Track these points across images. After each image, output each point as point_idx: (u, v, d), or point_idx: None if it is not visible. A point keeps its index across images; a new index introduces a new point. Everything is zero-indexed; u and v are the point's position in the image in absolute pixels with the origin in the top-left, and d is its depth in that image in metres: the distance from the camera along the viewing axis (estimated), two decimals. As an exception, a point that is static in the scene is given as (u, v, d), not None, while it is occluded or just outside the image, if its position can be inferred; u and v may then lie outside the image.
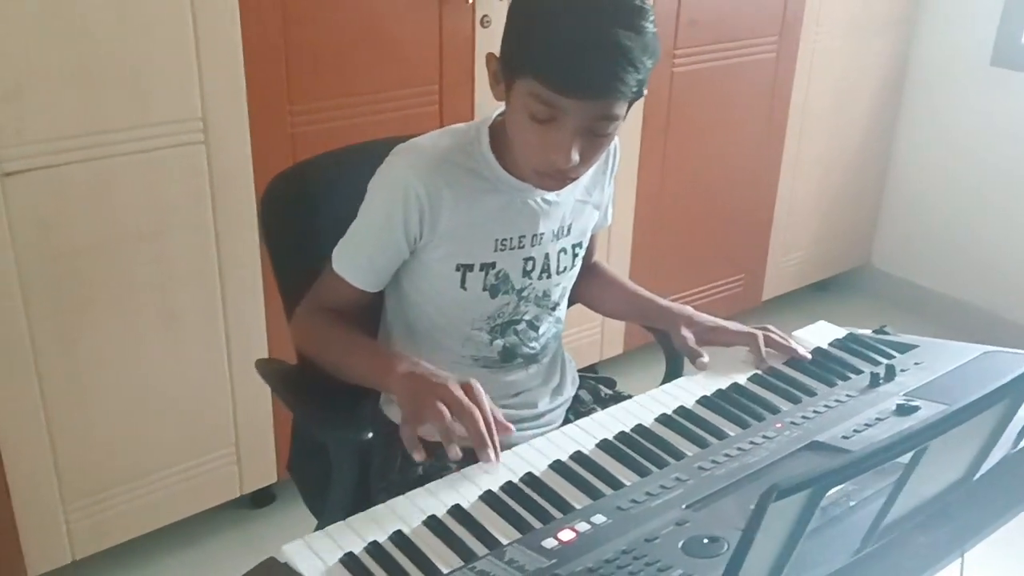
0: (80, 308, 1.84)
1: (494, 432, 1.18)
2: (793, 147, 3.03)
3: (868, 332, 1.49)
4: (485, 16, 2.18)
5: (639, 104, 2.52)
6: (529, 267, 1.41)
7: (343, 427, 1.33)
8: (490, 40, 2.19)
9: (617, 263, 2.71)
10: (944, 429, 0.81)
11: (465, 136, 1.36)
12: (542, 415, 1.51)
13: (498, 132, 1.35)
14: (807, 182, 3.14)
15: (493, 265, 1.38)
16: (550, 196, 1.39)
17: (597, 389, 1.65)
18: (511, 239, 1.38)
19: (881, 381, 1.29)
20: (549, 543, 1.01)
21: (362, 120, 2.06)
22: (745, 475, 1.11)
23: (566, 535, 1.02)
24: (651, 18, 1.20)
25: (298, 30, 1.93)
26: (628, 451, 1.19)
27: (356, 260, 1.37)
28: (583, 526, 1.03)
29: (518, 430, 1.42)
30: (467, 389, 1.21)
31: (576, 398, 1.61)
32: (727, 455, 1.16)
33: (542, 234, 1.41)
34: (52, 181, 1.73)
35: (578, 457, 1.19)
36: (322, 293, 1.41)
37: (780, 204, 3.09)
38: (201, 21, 1.80)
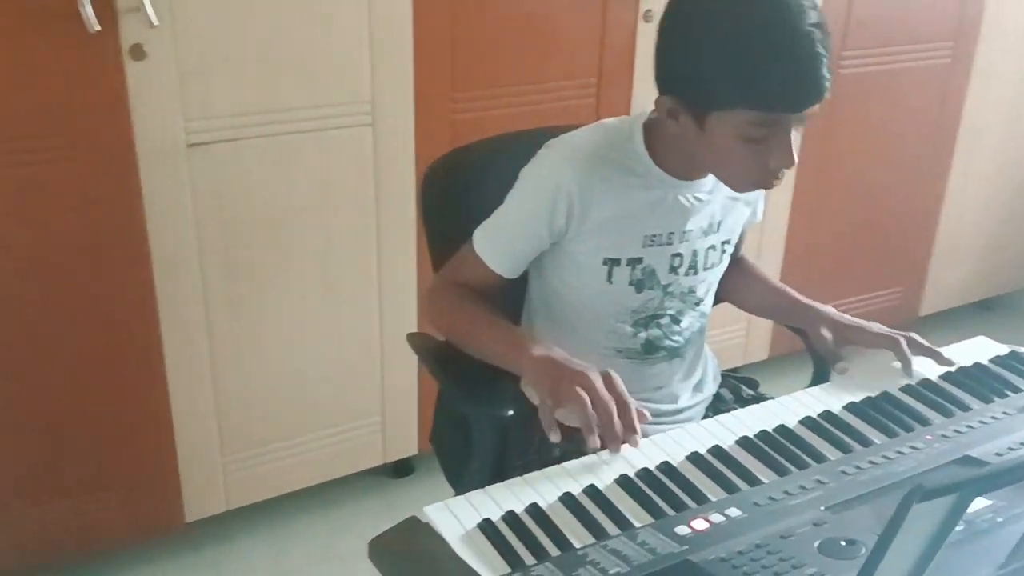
0: (249, 274, 1.96)
1: (635, 423, 1.19)
2: (963, 157, 2.90)
3: (1033, 351, 1.42)
4: (648, 11, 2.18)
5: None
6: (676, 263, 1.42)
7: (485, 403, 1.37)
8: (652, 34, 2.19)
9: (768, 263, 2.67)
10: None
11: (618, 132, 1.38)
12: (682, 410, 1.52)
13: (652, 129, 1.35)
14: (976, 195, 3.00)
15: (640, 260, 1.39)
16: (701, 193, 1.39)
17: (739, 389, 1.64)
18: (660, 235, 1.39)
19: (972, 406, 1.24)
20: (682, 530, 1.02)
21: (521, 110, 2.11)
22: (890, 483, 1.08)
23: (699, 524, 1.03)
24: (817, 5, 1.20)
25: (465, 21, 1.99)
26: (768, 450, 1.19)
27: (497, 244, 1.40)
28: (717, 517, 1.04)
29: (658, 423, 1.44)
30: (606, 379, 1.22)
31: (717, 396, 1.60)
32: (871, 462, 1.13)
33: (691, 231, 1.41)
34: (231, 153, 1.86)
35: (716, 451, 1.19)
36: (459, 269, 1.45)
37: (945, 217, 2.97)
38: (376, 10, 1.89)
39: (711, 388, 1.59)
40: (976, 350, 1.44)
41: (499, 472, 1.37)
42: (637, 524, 1.05)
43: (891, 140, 2.74)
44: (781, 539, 0.98)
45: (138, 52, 1.69)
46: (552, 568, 0.96)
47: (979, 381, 1.33)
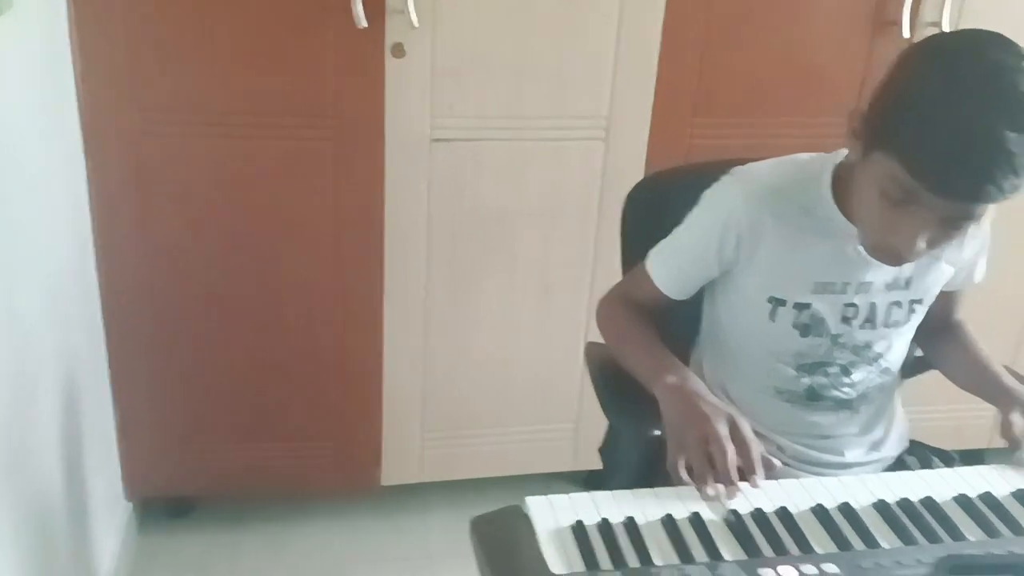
0: (472, 266, 2.09)
1: (755, 463, 1.16)
2: None
3: None
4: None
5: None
6: (850, 314, 1.35)
7: (631, 417, 1.39)
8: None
9: (1006, 328, 2.41)
10: None
11: (806, 171, 1.33)
12: (849, 465, 1.44)
13: (842, 172, 1.29)
14: None
15: (808, 305, 1.34)
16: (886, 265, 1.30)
17: (929, 459, 1.52)
18: (833, 284, 1.33)
19: None
20: (766, 572, 0.99)
21: (763, 141, 2.05)
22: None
23: (786, 571, 0.99)
24: None
25: (716, 48, 1.99)
26: (901, 517, 1.11)
27: (666, 264, 1.41)
28: (810, 569, 0.99)
29: (819, 473, 1.38)
30: (732, 426, 1.19)
31: (899, 461, 1.50)
32: (1012, 552, 1.03)
33: (870, 283, 1.33)
34: (470, 152, 1.99)
35: (844, 508, 1.13)
36: (629, 284, 1.48)
37: None
38: (625, 32, 1.94)
39: (893, 450, 1.49)
40: None
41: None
42: (727, 559, 1.03)
43: None
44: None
45: (399, 50, 1.87)
46: (623, 578, 0.97)
47: None
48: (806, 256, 1.32)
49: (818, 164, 1.33)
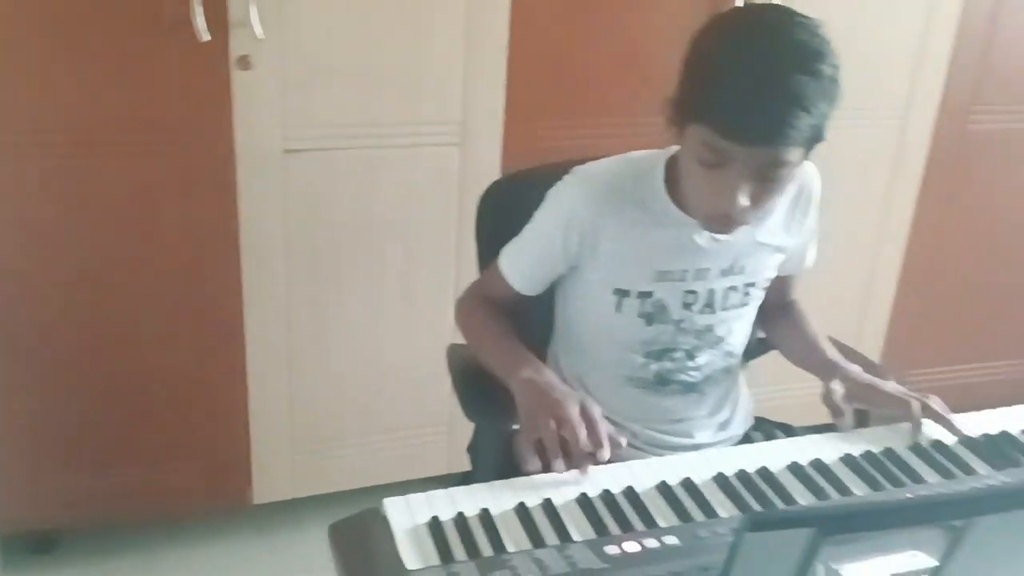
0: (333, 276, 2.09)
1: (602, 439, 1.21)
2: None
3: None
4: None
5: (916, 160, 2.39)
6: (690, 300, 1.42)
7: (489, 414, 1.43)
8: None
9: (872, 319, 2.57)
10: (995, 507, 0.74)
11: (640, 167, 1.40)
12: (699, 446, 1.50)
13: (673, 165, 1.36)
14: None
15: (651, 294, 1.40)
16: (719, 235, 1.38)
17: (773, 434, 1.60)
18: (673, 272, 1.39)
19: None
20: (611, 550, 1.03)
21: (611, 140, 2.10)
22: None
23: (631, 547, 1.04)
24: (830, 60, 1.17)
25: (561, 52, 2.05)
26: (740, 489, 1.17)
27: (517, 262, 1.46)
28: (651, 542, 1.04)
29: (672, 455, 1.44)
30: (582, 409, 1.24)
31: (747, 438, 1.57)
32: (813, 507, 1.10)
33: (708, 269, 1.40)
34: (325, 162, 1.99)
35: (687, 484, 1.19)
36: (485, 283, 1.52)
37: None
38: (473, 37, 1.98)
39: (739, 429, 1.57)
40: (1015, 418, 1.36)
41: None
42: (577, 539, 1.06)
43: (1024, 202, 2.58)
44: (700, 570, 0.97)
45: (245, 62, 1.85)
46: (472, 568, 1.00)
47: (997, 448, 1.26)
48: (645, 247, 1.38)
49: (651, 160, 1.39)
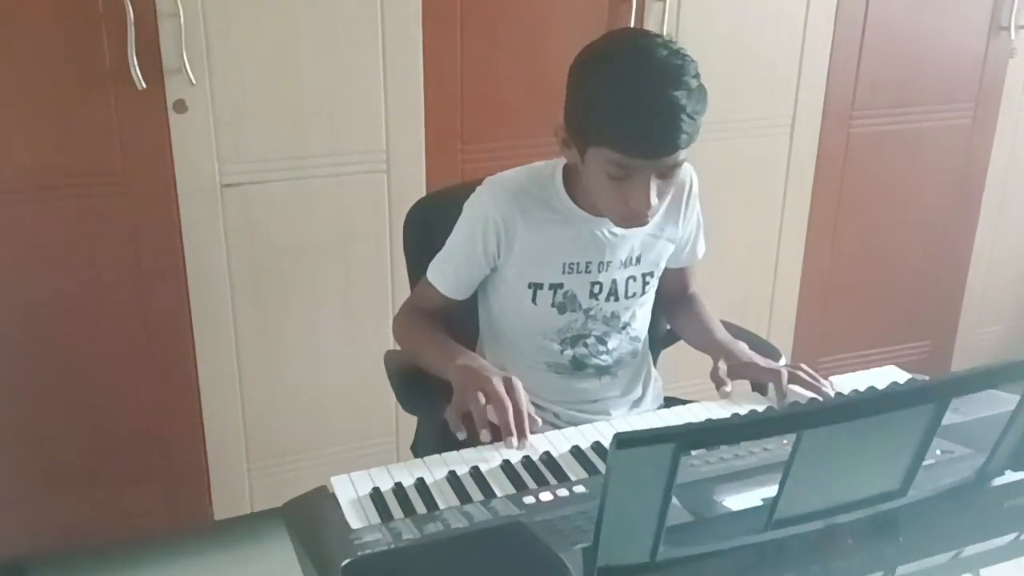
0: (276, 300, 2.24)
1: (524, 427, 1.37)
2: (992, 215, 2.95)
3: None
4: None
5: (808, 162, 2.61)
6: (596, 290, 1.60)
7: (424, 403, 1.59)
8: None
9: (780, 312, 2.79)
10: (822, 421, 0.92)
11: (542, 172, 1.59)
12: (615, 423, 1.68)
13: (570, 170, 1.55)
14: (1008, 252, 3.03)
15: (561, 285, 1.59)
16: (617, 229, 1.57)
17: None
18: (578, 264, 1.58)
19: (906, 417, 1.35)
20: (528, 499, 1.20)
21: (525, 159, 2.32)
22: (725, 473, 1.23)
23: (545, 496, 1.21)
24: (694, 72, 1.37)
25: (472, 79, 2.24)
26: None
27: (444, 270, 1.63)
28: (562, 492, 1.21)
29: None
30: (507, 383, 1.41)
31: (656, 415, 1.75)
32: (708, 461, 1.28)
33: (609, 262, 1.59)
34: (260, 194, 2.15)
35: (596, 446, 1.36)
36: (417, 296, 1.69)
37: (975, 273, 3.01)
38: (391, 71, 2.16)
39: (651, 407, 1.75)
40: (880, 377, 1.56)
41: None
42: (499, 495, 1.23)
43: (910, 197, 2.83)
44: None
45: (181, 106, 2.01)
46: (409, 523, 1.16)
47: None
48: (553, 243, 1.56)
49: (550, 167, 1.58)
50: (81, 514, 2.24)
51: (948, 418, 1.31)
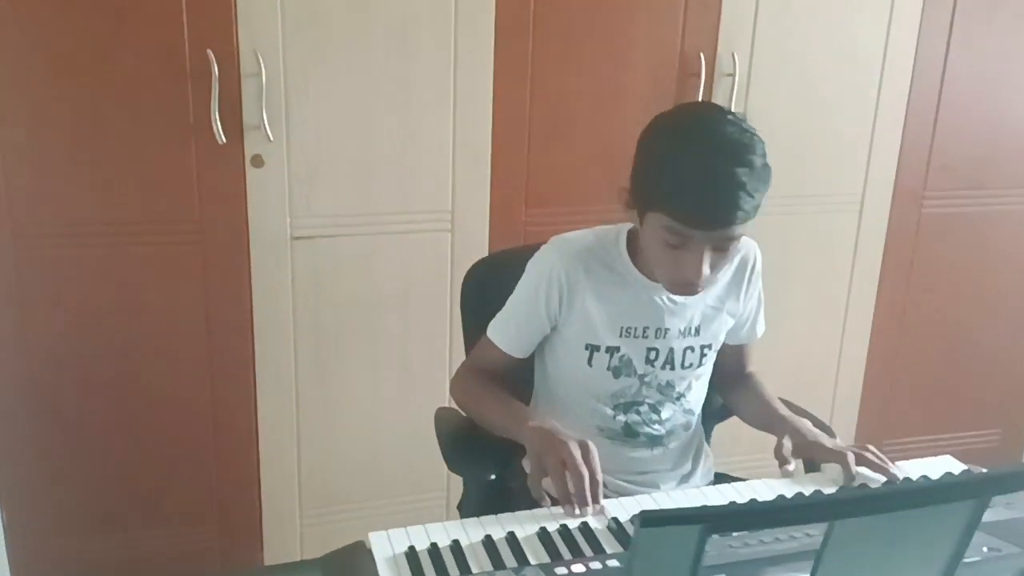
0: (336, 350, 2.29)
1: (598, 495, 1.37)
2: (1069, 303, 2.87)
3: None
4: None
5: (877, 241, 2.58)
6: (652, 356, 1.61)
7: (470, 465, 1.61)
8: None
9: (844, 392, 2.75)
10: (855, 511, 0.91)
11: (607, 235, 1.61)
12: (663, 498, 1.67)
13: (634, 236, 1.57)
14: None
15: (618, 349, 1.60)
16: (677, 297, 1.58)
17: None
18: (635, 328, 1.59)
19: (957, 511, 1.32)
20: (560, 570, 1.20)
21: (587, 225, 2.34)
22: (763, 556, 1.22)
23: (578, 568, 1.20)
24: (760, 151, 1.38)
25: (540, 144, 2.29)
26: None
27: (506, 328, 1.65)
28: (596, 565, 1.21)
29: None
30: (583, 448, 1.40)
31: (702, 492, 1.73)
32: (762, 540, 1.26)
33: (667, 329, 1.60)
34: (329, 248, 2.21)
35: (635, 520, 1.35)
36: (478, 355, 1.70)
37: (1049, 362, 2.92)
38: (460, 134, 2.22)
39: (700, 482, 1.73)
40: (936, 467, 1.52)
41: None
42: (533, 563, 1.23)
43: (984, 280, 2.77)
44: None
45: (258, 161, 2.09)
46: (441, 585, 1.17)
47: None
48: (613, 305, 1.57)
49: (615, 230, 1.60)
50: (138, 550, 2.30)
51: (999, 513, 1.30)
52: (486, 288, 1.83)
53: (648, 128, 1.46)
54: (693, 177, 1.36)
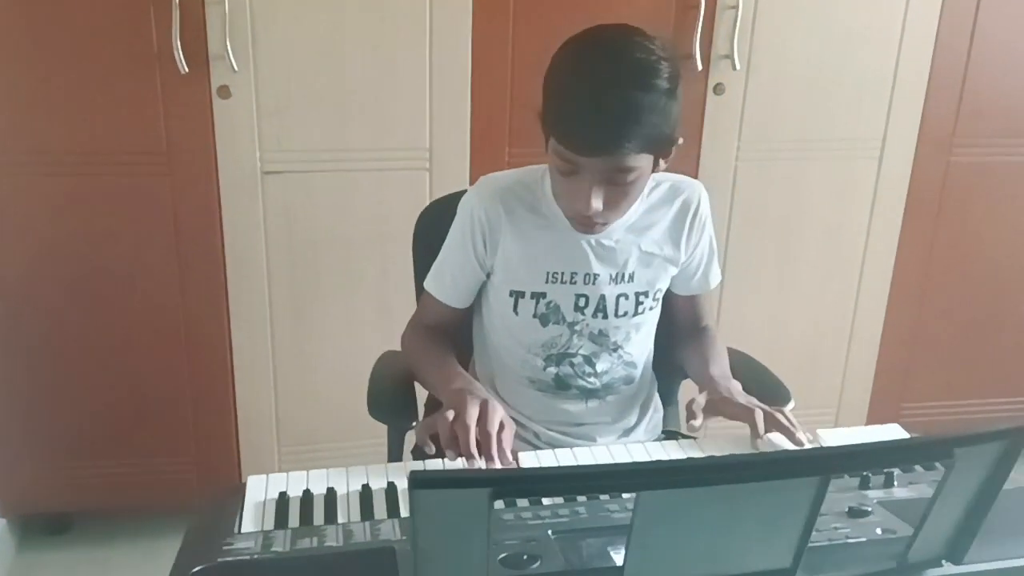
0: (312, 290, 2.26)
1: (491, 452, 1.28)
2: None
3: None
4: (719, 84, 2.25)
5: (899, 191, 2.36)
6: (581, 303, 1.51)
7: (392, 416, 1.59)
8: (723, 107, 2.26)
9: (859, 353, 2.59)
10: (658, 484, 0.82)
11: (532, 174, 1.51)
12: (602, 451, 1.58)
13: None
14: None
15: (544, 295, 1.51)
16: (605, 240, 1.47)
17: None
18: (562, 273, 1.49)
19: (870, 485, 1.21)
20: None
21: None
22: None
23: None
24: (665, 78, 1.27)
25: (523, 79, 2.17)
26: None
27: (441, 277, 1.58)
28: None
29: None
30: (483, 406, 1.33)
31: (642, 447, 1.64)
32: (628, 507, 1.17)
33: (596, 275, 1.50)
34: (300, 184, 2.17)
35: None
36: (420, 310, 1.65)
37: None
38: (437, 67, 2.13)
39: (643, 437, 1.63)
40: (880, 435, 1.40)
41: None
42: (404, 514, 1.18)
43: (1013, 236, 2.56)
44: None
45: (224, 92, 2.05)
46: (288, 534, 1.12)
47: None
48: (537, 249, 1.49)
49: (541, 169, 1.50)
50: (120, 477, 2.33)
51: (910, 491, 1.18)
52: (441, 233, 1.75)
53: (559, 48, 1.35)
54: (578, 98, 1.26)
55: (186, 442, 2.33)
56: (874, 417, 2.62)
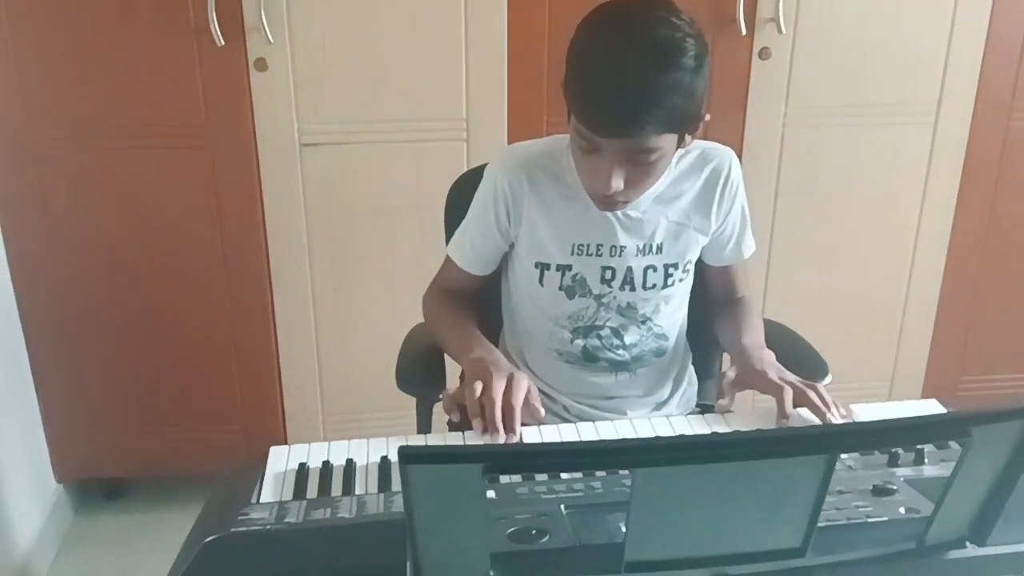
0: (352, 260, 2.27)
1: (514, 425, 1.28)
2: None
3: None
4: (764, 48, 2.18)
5: (956, 158, 2.32)
6: (608, 276, 1.49)
7: (420, 388, 1.59)
8: (768, 72, 2.20)
9: (913, 327, 2.52)
10: (653, 461, 0.80)
11: (557, 144, 1.48)
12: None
13: None
14: None
15: (570, 267, 1.48)
16: (632, 211, 1.44)
17: (708, 420, 1.64)
18: (588, 245, 1.47)
19: (899, 462, 1.17)
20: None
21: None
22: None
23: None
24: (688, 53, 1.22)
25: (560, 47, 2.12)
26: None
27: (462, 245, 1.57)
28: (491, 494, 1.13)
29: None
30: (509, 379, 1.32)
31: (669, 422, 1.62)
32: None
33: (623, 247, 1.47)
34: (339, 155, 2.17)
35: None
36: (442, 274, 1.63)
37: None
38: (473, 37, 2.11)
39: (675, 411, 1.61)
40: (916, 409, 1.36)
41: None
42: (412, 489, 1.17)
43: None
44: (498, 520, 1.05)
45: (261, 64, 2.06)
46: (303, 505, 1.12)
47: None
48: (562, 220, 1.46)
49: (566, 139, 1.46)
50: (169, 445, 2.39)
51: (939, 469, 1.14)
52: (465, 199, 1.73)
53: (582, 21, 1.31)
54: (598, 77, 1.22)
55: (233, 411, 2.37)
56: (929, 391, 2.55)
